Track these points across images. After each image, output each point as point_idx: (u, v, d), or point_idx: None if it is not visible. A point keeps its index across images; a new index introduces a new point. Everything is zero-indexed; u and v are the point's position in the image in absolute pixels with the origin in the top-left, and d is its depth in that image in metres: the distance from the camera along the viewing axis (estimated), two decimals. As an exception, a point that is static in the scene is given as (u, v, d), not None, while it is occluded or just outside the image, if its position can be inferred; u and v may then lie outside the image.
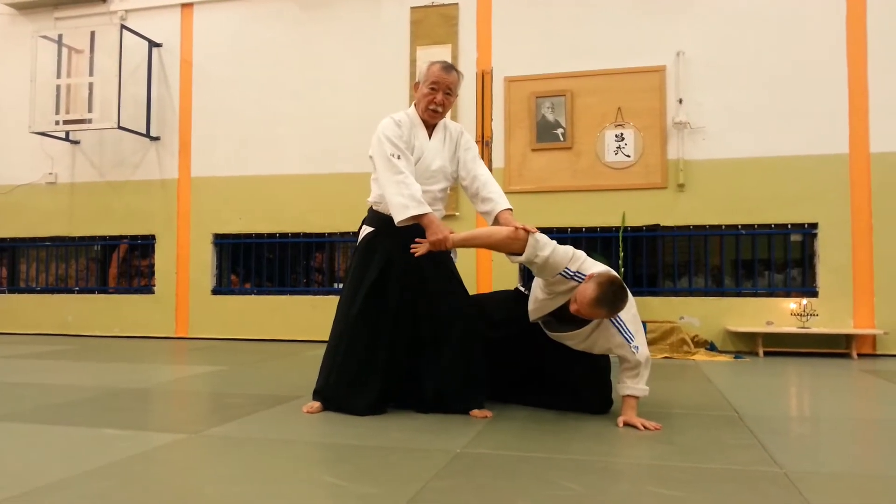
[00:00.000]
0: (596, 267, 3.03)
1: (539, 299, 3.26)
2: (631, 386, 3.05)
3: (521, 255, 3.02)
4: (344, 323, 3.34)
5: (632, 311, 3.08)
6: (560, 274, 3.05)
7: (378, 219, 3.38)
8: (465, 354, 3.25)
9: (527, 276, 6.82)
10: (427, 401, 3.26)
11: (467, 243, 3.21)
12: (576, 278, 3.02)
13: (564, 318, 3.18)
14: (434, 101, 3.31)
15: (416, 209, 3.09)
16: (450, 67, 3.36)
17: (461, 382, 3.23)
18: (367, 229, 3.45)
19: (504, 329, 3.46)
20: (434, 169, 3.35)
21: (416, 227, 3.14)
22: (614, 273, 2.99)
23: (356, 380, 3.24)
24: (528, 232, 3.01)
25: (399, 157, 3.19)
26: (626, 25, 6.75)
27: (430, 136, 3.39)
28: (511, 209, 3.27)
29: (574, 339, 3.20)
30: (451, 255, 3.47)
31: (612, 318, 3.03)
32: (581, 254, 3.11)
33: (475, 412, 3.19)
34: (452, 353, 3.23)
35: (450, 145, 3.42)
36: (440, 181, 3.39)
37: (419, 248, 3.10)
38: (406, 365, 3.31)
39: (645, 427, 2.92)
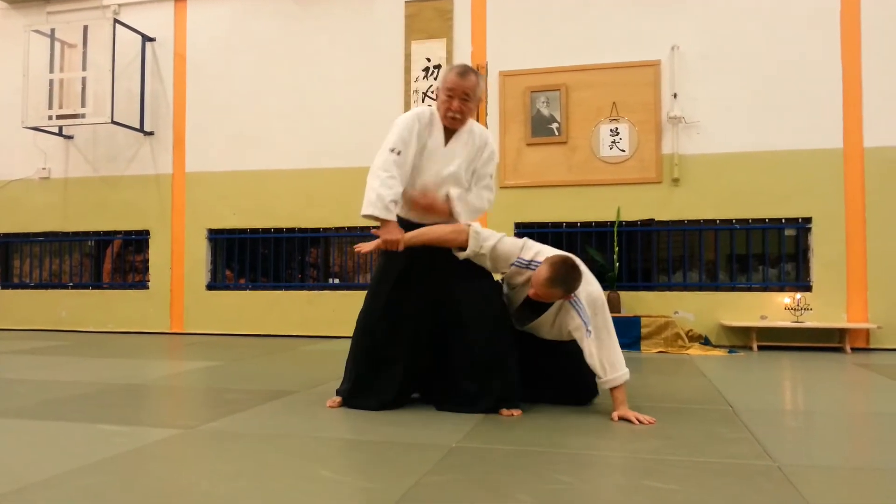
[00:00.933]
0: (552, 253, 3.08)
1: (507, 294, 3.32)
2: (607, 380, 3.03)
3: (465, 249, 3.09)
4: (365, 321, 3.33)
5: (592, 295, 3.09)
6: (513, 265, 3.11)
7: (400, 221, 3.31)
8: (497, 355, 3.18)
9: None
10: (457, 399, 3.20)
11: (416, 241, 3.19)
12: (531, 267, 3.07)
13: (533, 309, 3.21)
14: (451, 108, 3.22)
15: (379, 213, 3.10)
16: (466, 72, 3.25)
17: (495, 381, 3.16)
18: None
19: None
20: (445, 175, 3.27)
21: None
22: (568, 254, 3.03)
23: (375, 377, 3.24)
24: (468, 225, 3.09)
25: (398, 154, 3.17)
26: (621, 20, 6.75)
27: (449, 138, 3.30)
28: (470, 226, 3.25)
29: (544, 327, 3.22)
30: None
31: (571, 300, 3.05)
32: (534, 243, 3.16)
33: (504, 410, 3.13)
34: (481, 355, 3.17)
35: (469, 152, 3.33)
36: (451, 186, 3.30)
37: (363, 247, 3.14)
38: (430, 363, 3.29)
39: (639, 421, 2.93)
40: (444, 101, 3.25)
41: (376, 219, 3.13)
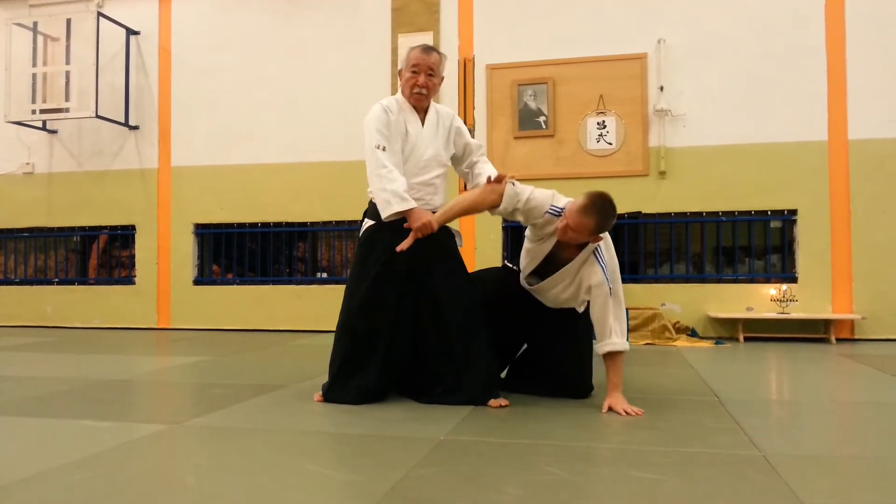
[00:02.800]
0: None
1: (529, 250, 3.28)
2: (613, 342, 3.03)
3: (500, 206, 3.08)
4: (346, 315, 3.33)
5: (614, 259, 3.14)
6: (547, 212, 3.09)
7: (378, 212, 3.31)
8: (472, 345, 3.20)
9: (512, 251, 6.86)
10: (435, 390, 3.21)
11: (448, 216, 3.18)
12: (562, 211, 3.07)
13: (554, 266, 3.19)
14: (417, 84, 3.26)
15: (399, 205, 3.08)
16: (429, 49, 3.32)
17: (474, 373, 3.17)
18: (368, 222, 3.38)
19: (492, 311, 3.42)
20: (427, 158, 3.30)
21: None
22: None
23: (353, 371, 3.23)
24: (502, 180, 3.07)
25: (384, 149, 3.16)
26: (608, 13, 6.75)
27: (423, 122, 3.34)
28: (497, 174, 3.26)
29: (560, 284, 3.19)
30: (456, 240, 3.44)
31: (597, 252, 3.07)
32: (562, 196, 3.17)
33: (492, 402, 3.14)
34: (458, 344, 3.18)
35: (442, 131, 3.38)
36: (434, 168, 3.34)
37: (403, 244, 3.09)
38: (409, 356, 3.29)
39: (626, 413, 2.95)
40: (410, 78, 3.28)
41: (398, 214, 3.11)
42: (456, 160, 3.51)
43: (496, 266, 3.86)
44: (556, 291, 3.25)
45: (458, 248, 3.45)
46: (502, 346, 3.48)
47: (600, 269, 3.07)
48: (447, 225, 3.31)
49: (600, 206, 2.95)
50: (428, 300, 3.26)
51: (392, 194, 3.09)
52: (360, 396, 3.20)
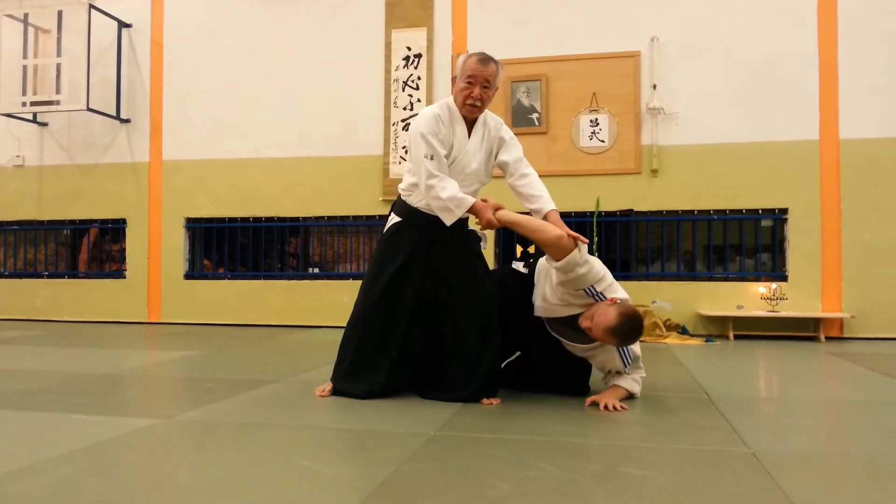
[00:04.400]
0: (619, 293, 3.06)
1: (549, 302, 3.21)
2: (622, 379, 3.18)
3: (558, 261, 2.98)
4: (361, 309, 3.32)
5: (637, 352, 3.17)
6: (584, 290, 3.04)
7: (406, 209, 3.29)
8: (485, 347, 3.19)
9: (504, 249, 6.86)
10: (442, 387, 3.22)
11: (513, 226, 3.12)
12: (598, 297, 3.03)
13: (571, 323, 3.17)
14: (472, 96, 3.16)
15: (459, 209, 3.05)
16: (487, 59, 3.22)
17: (481, 373, 3.17)
18: (394, 218, 3.36)
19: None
20: (469, 172, 3.23)
21: (441, 222, 3.10)
22: (635, 308, 3.01)
23: (365, 366, 3.24)
24: (576, 243, 2.96)
25: (432, 158, 3.08)
26: (602, 10, 6.76)
27: (469, 132, 3.25)
28: (557, 210, 3.18)
29: (577, 347, 3.21)
30: (481, 242, 3.41)
31: (620, 349, 3.09)
32: (609, 275, 3.11)
33: (485, 400, 3.15)
34: (471, 345, 3.18)
35: (487, 144, 3.29)
36: (473, 184, 3.27)
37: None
38: (421, 354, 3.30)
39: (609, 408, 2.98)
40: (465, 89, 3.17)
41: (466, 213, 3.10)
42: (504, 167, 3.34)
43: (504, 266, 3.82)
44: (569, 346, 3.25)
45: (482, 249, 3.42)
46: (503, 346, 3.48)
47: (621, 361, 3.14)
48: (471, 227, 3.33)
49: (627, 332, 2.92)
50: (446, 299, 3.25)
51: (449, 200, 3.03)
52: (371, 392, 3.20)
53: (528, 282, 3.37)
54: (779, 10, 6.43)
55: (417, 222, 3.20)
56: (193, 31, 7.71)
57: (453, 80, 3.28)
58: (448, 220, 3.08)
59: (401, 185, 3.36)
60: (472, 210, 3.08)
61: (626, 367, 3.13)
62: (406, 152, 3.11)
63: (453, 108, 3.23)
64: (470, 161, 3.22)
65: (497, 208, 3.11)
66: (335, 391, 3.29)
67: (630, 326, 2.91)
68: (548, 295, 3.21)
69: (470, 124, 3.26)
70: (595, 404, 3.05)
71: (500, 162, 3.32)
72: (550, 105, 6.81)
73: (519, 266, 3.51)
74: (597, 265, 3.06)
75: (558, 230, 2.98)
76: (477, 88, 3.15)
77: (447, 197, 3.03)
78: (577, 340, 3.17)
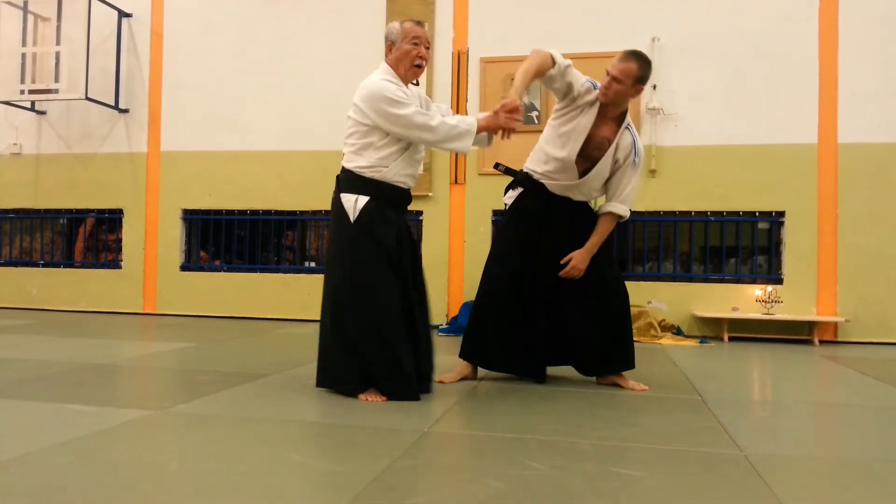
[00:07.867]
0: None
1: (564, 133, 3.49)
2: (615, 204, 3.49)
3: (556, 62, 3.29)
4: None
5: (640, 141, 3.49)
6: (588, 81, 3.38)
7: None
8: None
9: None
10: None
11: (524, 86, 3.27)
12: (592, 83, 3.40)
13: (589, 159, 3.44)
14: (420, 56, 3.18)
15: (472, 127, 3.14)
16: (420, 22, 3.30)
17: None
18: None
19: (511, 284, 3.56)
20: (418, 157, 3.32)
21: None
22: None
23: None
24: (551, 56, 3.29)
25: (422, 112, 3.10)
26: (602, 9, 6.75)
27: None
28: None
29: (607, 162, 3.42)
30: (487, 142, 3.45)
31: (630, 129, 3.42)
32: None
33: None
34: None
35: (424, 108, 3.30)
36: (422, 149, 3.35)
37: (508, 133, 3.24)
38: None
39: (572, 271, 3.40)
40: (411, 50, 3.20)
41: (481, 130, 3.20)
42: None
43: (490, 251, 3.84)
44: (593, 181, 3.47)
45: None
46: (528, 324, 3.50)
47: (632, 139, 3.41)
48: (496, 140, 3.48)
49: (638, 52, 3.32)
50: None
51: (460, 122, 3.11)
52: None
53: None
54: (780, 12, 6.43)
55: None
56: (193, 23, 7.68)
57: (390, 46, 3.25)
58: (466, 143, 3.13)
59: (349, 163, 3.39)
60: (482, 126, 3.18)
61: (635, 153, 3.41)
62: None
63: (393, 75, 3.22)
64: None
65: (498, 110, 3.17)
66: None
67: (637, 51, 3.36)
68: (562, 130, 3.51)
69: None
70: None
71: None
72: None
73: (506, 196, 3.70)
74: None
75: (528, 60, 3.25)
76: (422, 48, 3.22)
77: (452, 124, 3.09)
78: (604, 161, 3.40)
